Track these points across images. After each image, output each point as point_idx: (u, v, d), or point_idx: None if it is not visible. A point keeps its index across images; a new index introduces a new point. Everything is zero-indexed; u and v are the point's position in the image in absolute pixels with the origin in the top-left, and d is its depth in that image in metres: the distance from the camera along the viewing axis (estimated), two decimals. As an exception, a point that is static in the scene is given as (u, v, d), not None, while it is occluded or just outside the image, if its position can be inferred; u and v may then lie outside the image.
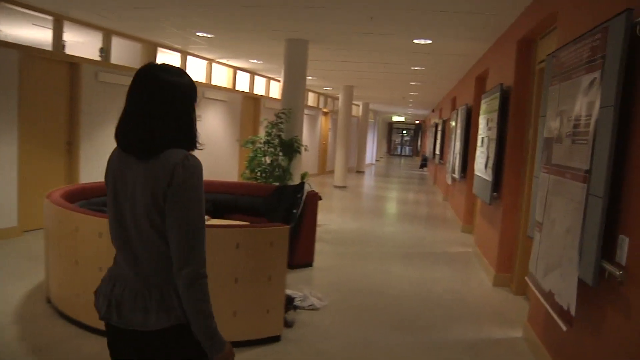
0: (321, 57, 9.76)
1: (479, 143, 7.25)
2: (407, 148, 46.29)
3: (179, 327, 1.68)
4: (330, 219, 9.45)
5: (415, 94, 16.47)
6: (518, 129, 5.69)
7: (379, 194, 15.49)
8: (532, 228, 4.06)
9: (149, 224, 1.66)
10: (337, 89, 16.42)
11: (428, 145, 24.21)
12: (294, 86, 8.20)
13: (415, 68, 10.29)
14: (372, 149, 28.79)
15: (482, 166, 6.58)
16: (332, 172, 17.59)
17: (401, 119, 36.02)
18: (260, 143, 7.97)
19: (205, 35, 8.23)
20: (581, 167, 2.96)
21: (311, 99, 18.04)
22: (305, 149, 7.90)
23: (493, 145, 6.01)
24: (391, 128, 43.79)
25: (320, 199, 6.32)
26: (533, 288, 3.76)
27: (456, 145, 10.41)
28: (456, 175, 9.90)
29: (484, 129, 6.81)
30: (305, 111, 17.76)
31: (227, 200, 6.47)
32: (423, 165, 27.50)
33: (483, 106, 7.08)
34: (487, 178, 6.21)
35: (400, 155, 44.63)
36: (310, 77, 13.74)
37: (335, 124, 18.48)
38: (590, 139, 2.88)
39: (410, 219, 10.58)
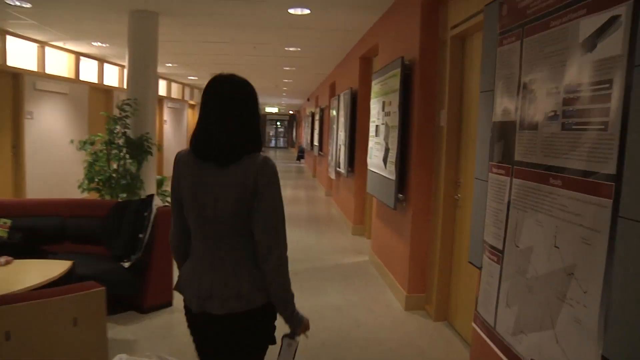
0: (179, 37, 8.10)
1: (372, 132, 6.07)
2: (282, 140, 45.72)
3: (264, 306, 1.89)
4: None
5: (290, 82, 15.19)
6: (427, 113, 4.55)
7: None
8: (475, 252, 2.88)
9: (235, 221, 1.85)
10: (204, 78, 14.66)
11: (304, 136, 23.21)
12: (143, 70, 6.49)
13: (291, 49, 8.96)
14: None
15: (380, 161, 5.40)
16: (203, 170, 15.81)
17: (275, 109, 34.88)
18: (101, 143, 6.22)
19: (20, 4, 6.25)
20: (594, 169, 1.76)
21: (175, 91, 16.12)
22: (159, 149, 6.25)
23: (394, 134, 4.83)
24: (265, 119, 42.91)
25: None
26: (489, 342, 2.56)
27: (340, 135, 9.26)
28: (342, 170, 8.73)
29: (379, 114, 5.64)
30: (169, 104, 15.94)
31: (50, 226, 4.71)
32: (300, 157, 26.51)
33: (375, 88, 5.91)
34: (388, 176, 5.03)
35: (276, 148, 44.01)
36: (170, 65, 11.94)
37: (204, 117, 16.71)
38: (614, 124, 1.68)
39: (293, 221, 9.21)
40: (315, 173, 17.42)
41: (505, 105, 2.47)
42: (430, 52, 4.47)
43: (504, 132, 2.47)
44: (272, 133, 45.68)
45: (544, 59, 2.12)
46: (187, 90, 17.19)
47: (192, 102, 17.80)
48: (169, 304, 4.58)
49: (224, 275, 1.88)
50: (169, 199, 7.30)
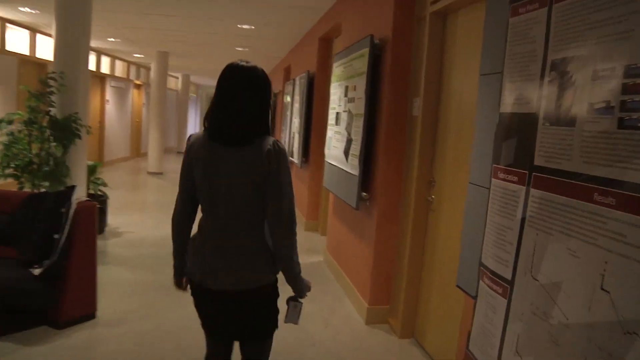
0: (120, 7, 7.25)
1: (331, 120, 5.46)
2: (234, 124, 44.56)
3: (272, 284, 2.10)
4: (134, 223, 7.11)
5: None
6: (399, 100, 3.97)
7: None
8: (466, 275, 2.33)
9: (246, 200, 1.96)
10: (150, 56, 13.65)
11: (256, 121, 22.36)
12: (72, 41, 5.60)
13: (244, 26, 8.21)
14: (195, 127, 26.25)
15: (341, 153, 4.80)
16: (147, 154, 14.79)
17: (226, 93, 33.81)
18: (20, 123, 5.36)
19: None
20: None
21: (120, 69, 15.01)
22: (88, 132, 5.43)
23: (359, 123, 4.23)
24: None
25: (102, 208, 4.03)
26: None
27: (294, 122, 8.62)
28: (295, 160, 8.09)
29: (340, 100, 5.03)
30: (113, 83, 14.80)
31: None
32: (251, 142, 25.65)
33: (337, 70, 5.29)
34: (350, 171, 4.43)
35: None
36: (113, 40, 10.96)
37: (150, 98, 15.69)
38: None
39: None
40: (266, 161, 16.68)
41: (520, 92, 1.90)
42: (405, 30, 3.88)
43: (518, 127, 1.90)
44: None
45: (589, 30, 1.55)
46: (132, 69, 16.08)
47: (138, 82, 16.68)
48: (91, 316, 3.87)
49: (234, 254, 1.99)
50: (102, 188, 6.53)
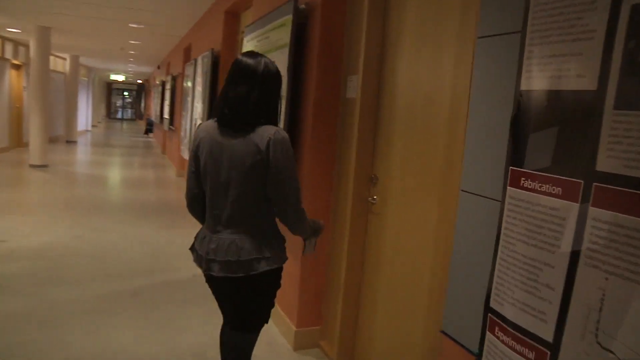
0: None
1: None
2: (130, 111, 42.44)
3: (263, 273, 2.07)
4: (9, 228, 5.92)
5: (138, 44, 13.05)
6: (330, 79, 3.26)
7: (94, 172, 11.63)
8: (458, 319, 1.67)
9: (246, 187, 2.02)
10: (29, 31, 11.96)
11: (154, 107, 20.91)
12: None
13: (136, -3, 7.17)
14: (87, 113, 24.21)
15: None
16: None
17: (122, 77, 31.62)
18: None
19: None
20: None
21: (-9, 46, 13.15)
22: None
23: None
24: (111, 89, 39.50)
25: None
26: None
27: (196, 108, 7.70)
28: (201, 150, 7.19)
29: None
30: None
31: None
32: (149, 130, 24.04)
33: (249, 46, 4.48)
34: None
35: (122, 119, 40.63)
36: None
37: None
38: None
39: (139, 213, 7.45)
40: (165, 149, 15.46)
41: (564, 60, 1.24)
42: (339, -8, 3.17)
43: (563, 113, 1.24)
44: (119, 103, 42.28)
45: None
46: (8, 46, 14.15)
47: (17, 62, 14.73)
48: None
49: (226, 240, 2.06)
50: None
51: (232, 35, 6.22)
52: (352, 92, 3.10)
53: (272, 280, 2.16)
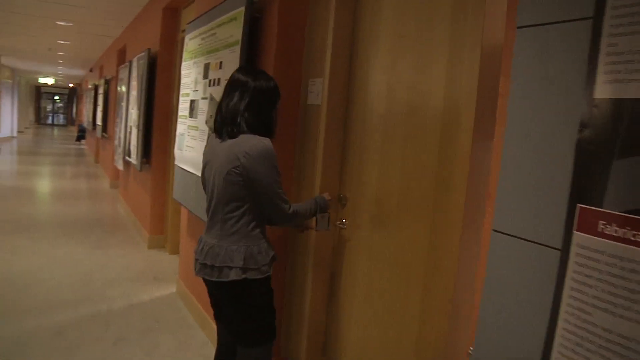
0: None
1: (183, 110, 4.09)
2: (61, 116, 40.58)
3: (242, 281, 2.05)
4: None
5: (67, 44, 12.12)
6: (290, 82, 2.80)
7: (19, 184, 10.44)
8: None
9: (226, 194, 2.06)
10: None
11: (86, 113, 19.75)
12: None
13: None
14: (12, 118, 22.68)
15: (199, 155, 3.50)
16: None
17: (51, 81, 29.95)
18: None
19: None
20: None
21: None
22: None
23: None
24: (40, 92, 37.55)
25: None
26: None
27: (131, 114, 7.03)
28: (134, 161, 6.54)
29: (197, 84, 3.71)
30: None
31: None
32: (81, 137, 22.71)
33: (192, 44, 3.94)
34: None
35: (53, 125, 38.77)
36: None
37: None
38: None
39: (69, 230, 6.62)
40: (98, 158, 14.49)
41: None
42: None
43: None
44: (49, 108, 40.49)
45: None
46: None
47: None
48: None
49: (209, 244, 2.10)
50: None
51: (172, 34, 5.65)
52: (315, 97, 2.66)
53: (253, 291, 2.09)
